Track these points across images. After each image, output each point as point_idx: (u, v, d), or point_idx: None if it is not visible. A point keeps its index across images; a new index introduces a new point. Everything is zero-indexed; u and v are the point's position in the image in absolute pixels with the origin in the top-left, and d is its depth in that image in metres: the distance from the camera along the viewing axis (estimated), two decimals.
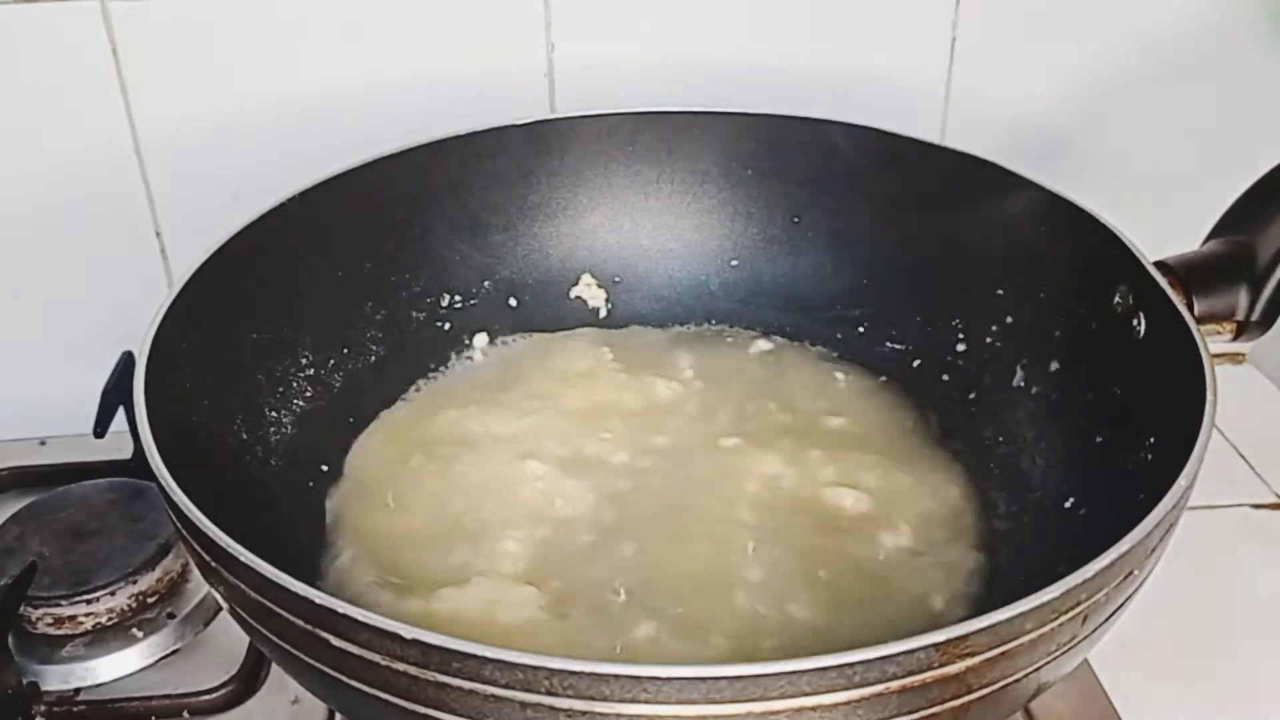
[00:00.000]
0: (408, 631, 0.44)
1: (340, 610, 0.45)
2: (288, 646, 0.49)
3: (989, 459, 0.75)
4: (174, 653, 0.75)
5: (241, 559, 0.49)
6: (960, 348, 0.80)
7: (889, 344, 0.84)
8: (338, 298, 0.79)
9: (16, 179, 0.90)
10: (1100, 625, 0.50)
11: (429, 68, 0.90)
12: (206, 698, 0.71)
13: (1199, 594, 0.78)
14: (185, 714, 0.71)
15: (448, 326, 0.85)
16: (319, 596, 0.46)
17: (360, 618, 0.45)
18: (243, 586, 0.50)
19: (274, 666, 0.72)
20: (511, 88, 0.91)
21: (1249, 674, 0.74)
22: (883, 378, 0.83)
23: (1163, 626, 0.75)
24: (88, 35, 0.85)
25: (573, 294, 0.88)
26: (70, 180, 0.89)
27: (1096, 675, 0.72)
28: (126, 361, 0.79)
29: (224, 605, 0.55)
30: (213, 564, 0.51)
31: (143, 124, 0.89)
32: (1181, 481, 0.52)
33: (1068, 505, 0.68)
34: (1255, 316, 0.66)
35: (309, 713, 0.70)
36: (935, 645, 0.43)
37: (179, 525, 0.53)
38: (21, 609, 0.73)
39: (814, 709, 0.43)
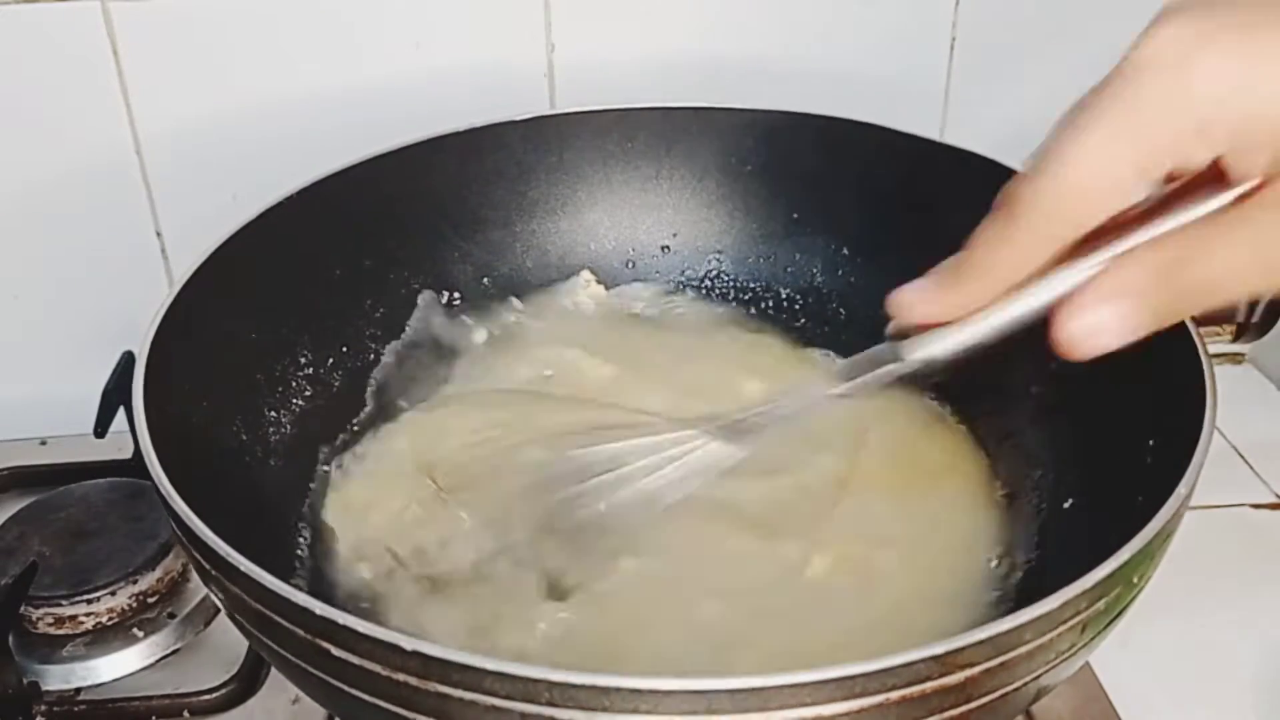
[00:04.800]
0: (409, 643, 0.44)
1: (341, 621, 0.45)
2: (287, 654, 0.49)
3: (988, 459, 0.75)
4: (174, 652, 0.75)
5: (241, 568, 0.48)
6: None
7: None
8: (337, 296, 0.79)
9: (16, 179, 0.90)
10: (1099, 633, 0.50)
11: (429, 69, 0.89)
12: (206, 697, 0.72)
13: (1199, 594, 0.78)
14: (185, 714, 0.71)
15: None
16: (320, 607, 0.46)
17: (361, 629, 0.45)
18: (242, 595, 0.50)
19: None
20: (511, 89, 0.91)
21: (1249, 674, 0.74)
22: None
23: (1163, 626, 0.75)
24: (88, 35, 0.85)
25: (572, 290, 0.88)
26: (70, 180, 0.89)
27: (1096, 675, 0.72)
28: (126, 361, 0.78)
29: (224, 610, 0.55)
30: (212, 572, 0.51)
31: (143, 124, 0.89)
32: (1181, 490, 0.51)
33: (1067, 506, 0.68)
34: (1255, 318, 0.66)
35: (309, 713, 0.71)
36: (935, 657, 0.43)
37: (179, 533, 0.53)
38: (22, 609, 0.73)
39: None
